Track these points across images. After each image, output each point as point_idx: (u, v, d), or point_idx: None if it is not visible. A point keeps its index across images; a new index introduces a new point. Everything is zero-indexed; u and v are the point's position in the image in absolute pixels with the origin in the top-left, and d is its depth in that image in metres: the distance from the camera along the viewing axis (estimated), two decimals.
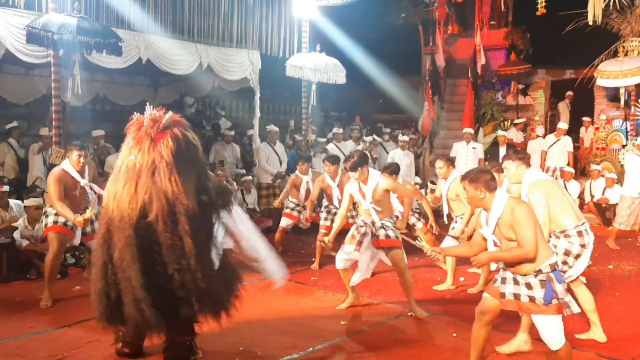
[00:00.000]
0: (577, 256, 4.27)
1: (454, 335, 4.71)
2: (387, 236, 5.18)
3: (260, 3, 9.64)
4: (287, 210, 7.63)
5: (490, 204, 3.66)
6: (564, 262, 4.24)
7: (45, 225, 5.58)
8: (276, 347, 4.43)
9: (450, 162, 6.35)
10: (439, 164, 6.27)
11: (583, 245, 4.27)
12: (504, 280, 3.69)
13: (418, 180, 10.99)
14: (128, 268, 3.63)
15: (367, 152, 10.88)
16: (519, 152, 4.67)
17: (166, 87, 11.82)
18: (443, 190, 6.28)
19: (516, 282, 3.62)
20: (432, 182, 9.39)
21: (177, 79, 10.35)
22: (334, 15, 10.83)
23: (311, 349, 4.42)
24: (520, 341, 4.26)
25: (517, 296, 3.60)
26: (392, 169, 6.83)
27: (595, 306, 4.48)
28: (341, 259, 5.35)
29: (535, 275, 3.56)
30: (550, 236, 4.31)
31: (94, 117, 10.52)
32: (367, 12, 13.94)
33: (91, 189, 5.71)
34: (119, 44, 6.76)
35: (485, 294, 3.82)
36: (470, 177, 3.73)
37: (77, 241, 5.76)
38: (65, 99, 7.60)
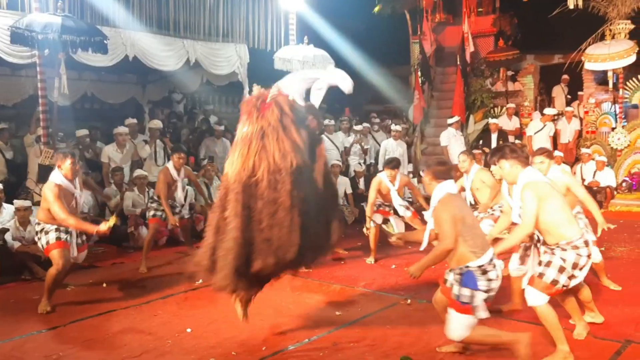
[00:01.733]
0: (582, 267, 4.03)
1: None
2: None
3: None
4: None
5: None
6: (571, 277, 3.97)
7: (47, 242, 5.23)
8: (273, 340, 4.45)
9: (473, 155, 6.43)
10: (462, 157, 6.41)
11: (589, 256, 4.05)
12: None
13: (410, 169, 11.04)
14: (231, 222, 4.01)
15: (359, 145, 10.92)
16: (515, 150, 4.23)
17: (155, 84, 11.74)
18: (466, 184, 6.41)
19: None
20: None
21: (165, 75, 10.29)
22: (320, 7, 10.78)
23: (307, 340, 4.44)
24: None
25: None
26: (394, 164, 6.83)
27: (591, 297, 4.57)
28: (515, 268, 4.85)
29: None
30: (553, 248, 4.00)
31: (83, 116, 10.44)
32: (353, 3, 13.88)
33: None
34: (105, 41, 6.71)
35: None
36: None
37: (74, 253, 5.41)
38: (52, 99, 7.54)
